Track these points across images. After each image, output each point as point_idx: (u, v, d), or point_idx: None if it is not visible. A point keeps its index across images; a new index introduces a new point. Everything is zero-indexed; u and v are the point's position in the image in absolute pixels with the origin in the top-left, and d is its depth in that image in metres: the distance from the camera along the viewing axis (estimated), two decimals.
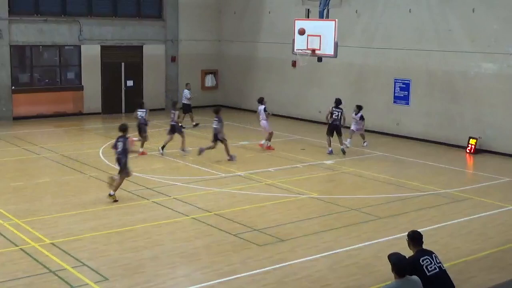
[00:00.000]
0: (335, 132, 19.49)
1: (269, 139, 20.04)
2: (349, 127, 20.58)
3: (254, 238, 11.64)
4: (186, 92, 24.65)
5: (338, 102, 19.70)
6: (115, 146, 14.28)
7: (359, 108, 20.93)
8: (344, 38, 21.84)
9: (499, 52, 19.63)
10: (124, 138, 14.23)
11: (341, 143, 19.58)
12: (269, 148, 19.98)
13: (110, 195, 13.97)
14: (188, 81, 29.22)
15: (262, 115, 19.96)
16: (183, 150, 19.03)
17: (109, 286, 9.46)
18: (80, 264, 10.23)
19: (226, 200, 14.36)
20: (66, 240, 11.33)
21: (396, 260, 6.95)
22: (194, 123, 24.17)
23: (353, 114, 20.90)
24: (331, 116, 19.53)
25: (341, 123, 19.52)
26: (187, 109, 24.42)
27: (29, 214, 12.90)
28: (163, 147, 18.89)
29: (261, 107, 20.05)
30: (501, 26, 19.63)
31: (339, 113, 19.56)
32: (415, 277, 7.03)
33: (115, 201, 13.87)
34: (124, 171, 14.22)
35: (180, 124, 19.34)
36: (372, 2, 23.43)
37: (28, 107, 25.73)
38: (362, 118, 20.86)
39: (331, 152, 19.44)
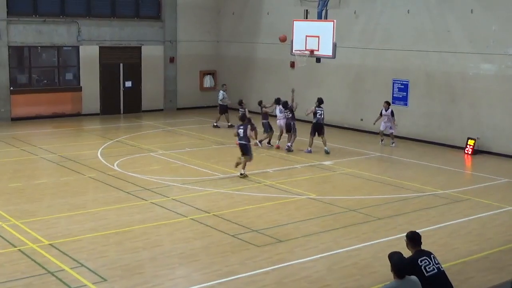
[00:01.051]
0: (316, 133, 19.67)
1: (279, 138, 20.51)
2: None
3: (253, 239, 11.64)
4: (221, 93, 24.70)
5: (320, 101, 19.87)
6: (237, 133, 16.25)
7: (388, 103, 21.02)
8: (343, 39, 21.82)
9: (498, 53, 19.64)
10: (245, 125, 16.25)
11: (325, 144, 19.71)
12: (278, 147, 20.34)
13: (241, 174, 16.11)
14: (188, 82, 29.18)
15: (279, 115, 20.27)
16: (260, 142, 20.42)
17: (107, 287, 9.45)
18: (78, 265, 10.22)
19: (225, 201, 14.36)
20: (64, 241, 11.32)
21: (396, 260, 6.93)
22: (229, 124, 24.13)
23: (383, 111, 20.96)
24: (314, 116, 19.66)
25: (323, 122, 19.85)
26: (222, 109, 24.51)
27: (27, 215, 12.89)
28: (268, 142, 20.57)
29: (280, 108, 20.36)
30: (499, 27, 19.64)
31: (322, 112, 19.68)
32: (414, 278, 7.01)
33: (246, 176, 16.09)
34: (248, 155, 16.12)
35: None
36: (371, 3, 23.42)
37: (27, 108, 25.68)
38: (392, 113, 20.91)
39: (309, 152, 19.57)
